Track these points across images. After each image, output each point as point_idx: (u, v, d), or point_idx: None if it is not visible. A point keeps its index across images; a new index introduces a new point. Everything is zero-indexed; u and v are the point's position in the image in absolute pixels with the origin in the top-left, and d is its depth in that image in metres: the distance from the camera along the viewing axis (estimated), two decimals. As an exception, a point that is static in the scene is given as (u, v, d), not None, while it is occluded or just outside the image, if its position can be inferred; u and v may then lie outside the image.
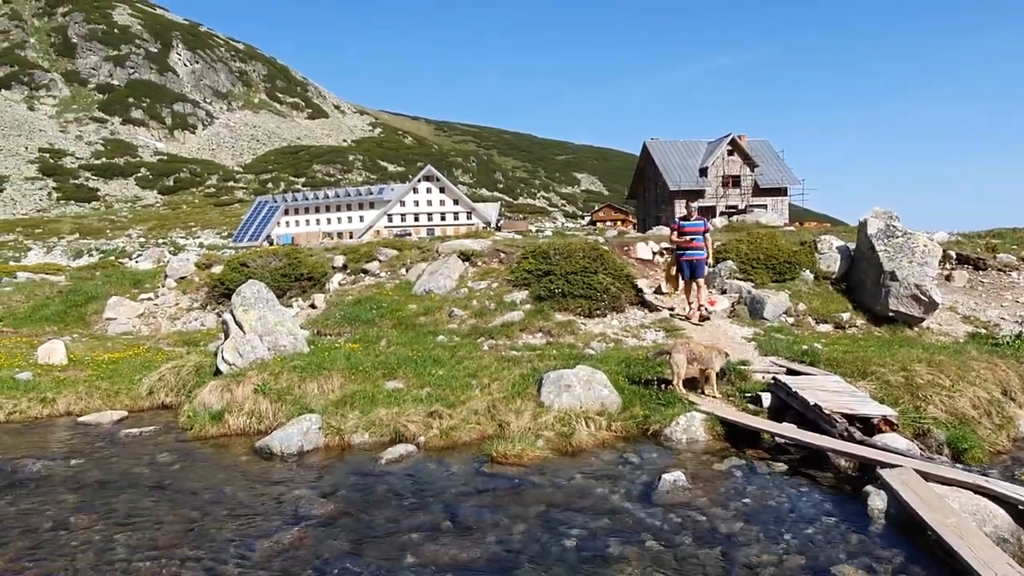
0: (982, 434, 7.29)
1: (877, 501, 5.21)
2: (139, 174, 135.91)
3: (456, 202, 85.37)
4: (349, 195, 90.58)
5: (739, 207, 52.16)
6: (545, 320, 11.00)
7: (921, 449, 6.53)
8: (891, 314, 12.06)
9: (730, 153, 53.77)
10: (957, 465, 6.08)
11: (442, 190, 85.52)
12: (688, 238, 11.36)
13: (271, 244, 59.60)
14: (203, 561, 4.70)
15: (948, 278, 14.90)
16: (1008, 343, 11.11)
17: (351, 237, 64.49)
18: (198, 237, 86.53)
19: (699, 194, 52.85)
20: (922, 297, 11.94)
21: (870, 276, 12.51)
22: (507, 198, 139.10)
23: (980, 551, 4.13)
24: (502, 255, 13.98)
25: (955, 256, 15.91)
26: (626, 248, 14.80)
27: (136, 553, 4.83)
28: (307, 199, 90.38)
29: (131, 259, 41.42)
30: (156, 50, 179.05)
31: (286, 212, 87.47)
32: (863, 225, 13.05)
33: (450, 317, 11.59)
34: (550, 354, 9.51)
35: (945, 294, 13.25)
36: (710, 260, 11.72)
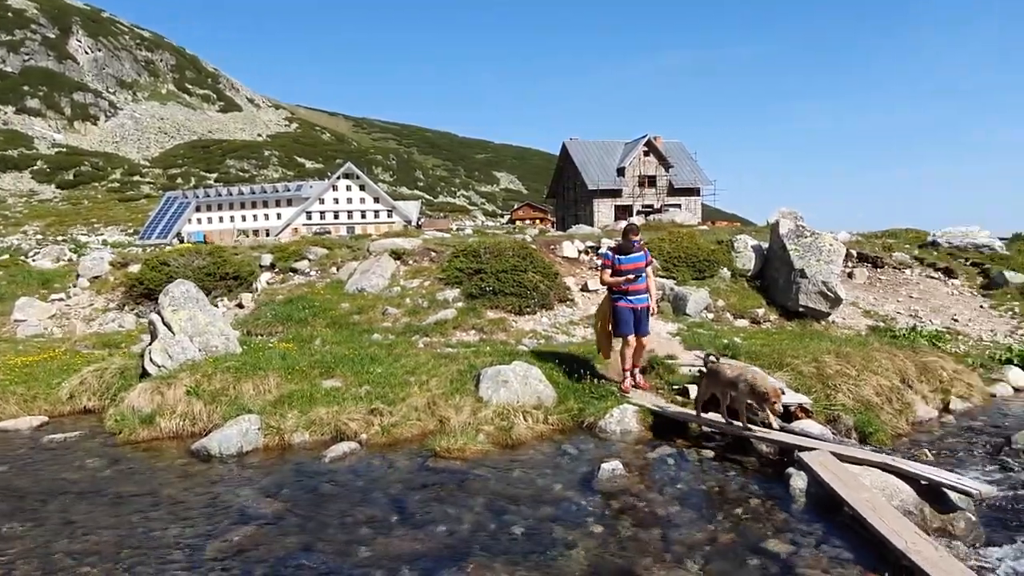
0: (885, 419, 7.94)
1: (798, 481, 5.66)
2: (35, 167, 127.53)
3: (377, 200, 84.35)
4: (265, 192, 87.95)
5: (655, 206, 53.77)
6: (478, 318, 11.20)
7: (834, 433, 7.08)
8: (801, 309, 12.88)
9: (646, 154, 55.34)
10: (865, 447, 6.64)
11: (362, 188, 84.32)
12: (626, 277, 8.07)
13: (181, 242, 57.31)
14: (152, 564, 4.65)
15: (850, 275, 15.98)
16: (904, 335, 12.07)
17: (268, 235, 62.75)
18: (101, 234, 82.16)
19: (617, 193, 54.21)
20: (828, 293, 12.81)
21: (782, 274, 13.31)
22: (427, 196, 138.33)
23: (890, 522, 4.59)
24: (433, 254, 14.07)
25: (856, 255, 17.05)
26: (552, 247, 15.16)
27: (80, 560, 4.74)
28: (220, 195, 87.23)
29: (27, 257, 39.02)
30: (54, 36, 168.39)
31: (198, 209, 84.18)
32: (775, 226, 13.85)
33: (384, 315, 11.61)
34: (485, 351, 9.70)
35: (848, 290, 14.23)
36: (655, 306, 8.58)
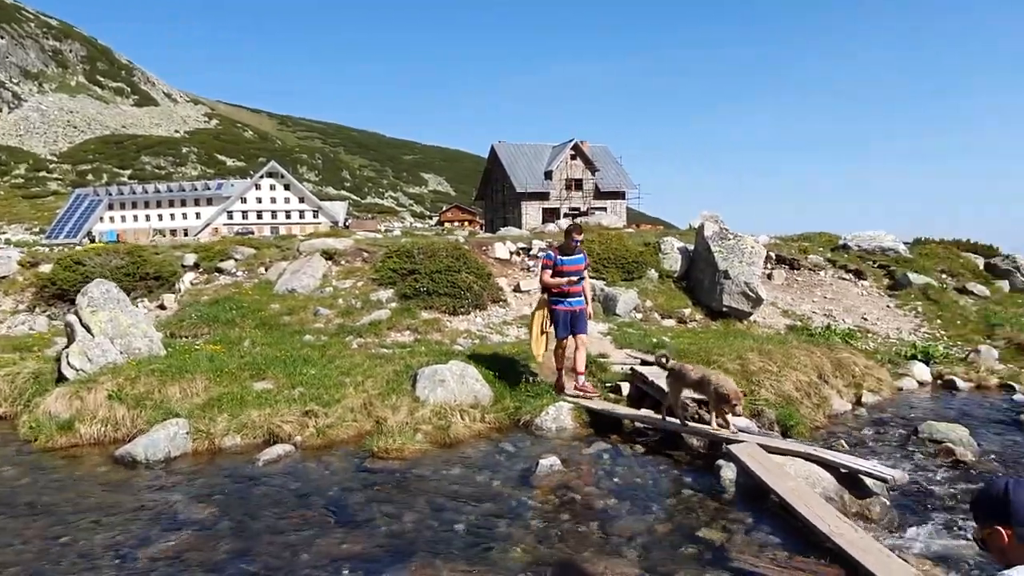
0: (804, 412, 8.36)
1: (728, 472, 5.91)
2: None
3: (302, 200, 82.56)
4: (184, 190, 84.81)
5: (581, 209, 54.57)
6: (412, 318, 11.16)
7: (759, 426, 7.41)
8: (725, 309, 13.36)
9: (573, 157, 56.10)
10: (787, 439, 6.97)
11: (287, 187, 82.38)
12: (568, 279, 8.01)
13: (92, 241, 54.59)
14: (81, 574, 4.46)
15: (769, 277, 16.66)
16: (820, 333, 12.70)
17: (186, 235, 60.52)
18: (4, 232, 77.43)
19: (544, 196, 54.76)
20: (750, 294, 13.34)
21: (707, 275, 13.78)
22: (355, 197, 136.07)
23: (814, 508, 4.86)
24: (365, 254, 13.92)
25: (775, 257, 17.78)
26: (484, 248, 15.24)
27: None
28: (135, 193, 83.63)
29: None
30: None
31: (110, 207, 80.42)
32: (700, 228, 14.33)
33: (316, 316, 11.42)
34: (420, 351, 9.68)
35: (768, 291, 14.83)
36: (590, 309, 8.48)
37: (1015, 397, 10.04)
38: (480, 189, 64.43)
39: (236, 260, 14.40)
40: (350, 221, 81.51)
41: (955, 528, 5.18)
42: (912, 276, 16.91)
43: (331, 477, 6.28)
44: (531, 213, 53.40)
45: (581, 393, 8.15)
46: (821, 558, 4.42)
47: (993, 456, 7.11)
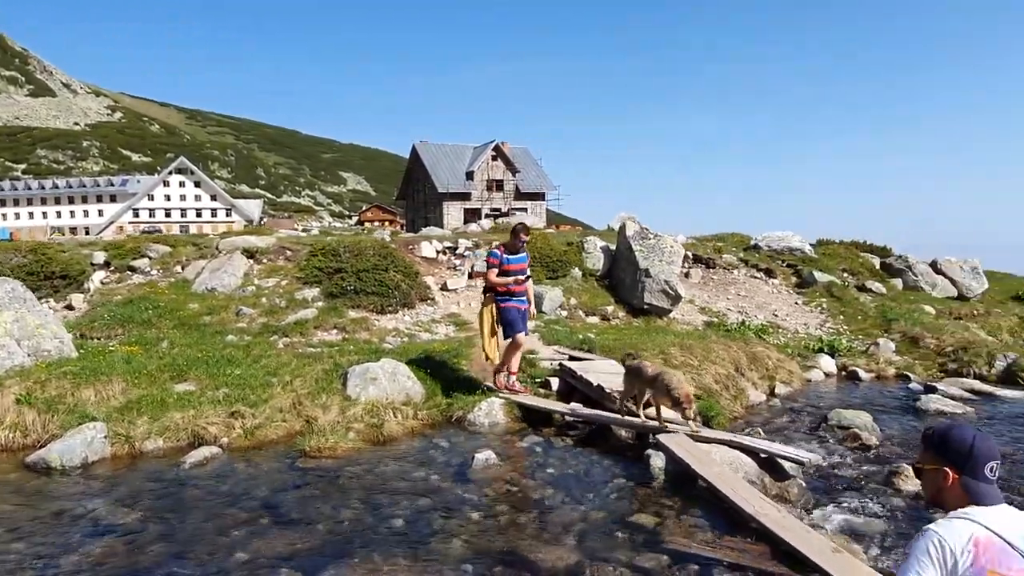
0: (724, 403, 8.76)
1: (657, 461, 6.15)
2: None
3: (214, 198, 79.61)
4: (84, 186, 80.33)
5: (502, 210, 54.92)
6: (339, 317, 11.01)
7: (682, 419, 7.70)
8: (646, 307, 13.78)
9: (494, 158, 56.42)
10: (709, 429, 7.29)
11: (197, 184, 79.25)
12: (515, 278, 7.97)
13: (-18, 240, 50.98)
14: (-2, 584, 4.24)
15: (687, 275, 17.28)
16: (736, 329, 13.28)
17: (87, 233, 57.37)
18: None
19: (466, 196, 54.85)
20: (670, 291, 13.80)
21: (628, 273, 14.17)
22: (270, 195, 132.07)
23: (739, 491, 5.13)
24: (288, 252, 13.61)
25: (691, 256, 18.45)
26: (410, 247, 15.18)
27: (-95, 586, 4.22)
28: (30, 189, 78.60)
29: None
30: None
31: (3, 203, 75.29)
32: (622, 228, 14.73)
33: (238, 316, 11.10)
34: (348, 349, 9.58)
35: (686, 289, 15.39)
36: (532, 309, 8.40)
37: (911, 386, 10.82)
38: (401, 189, 63.88)
39: (150, 258, 13.79)
40: (265, 220, 79.14)
41: (866, 506, 5.57)
42: (817, 275, 17.89)
43: (262, 477, 6.16)
44: (453, 213, 53.37)
45: (508, 391, 8.25)
46: (747, 537, 4.68)
47: (895, 440, 7.65)
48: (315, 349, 9.70)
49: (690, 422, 6.48)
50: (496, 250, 8.17)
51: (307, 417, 7.51)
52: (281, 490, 5.85)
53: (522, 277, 8.03)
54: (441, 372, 8.84)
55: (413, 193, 60.79)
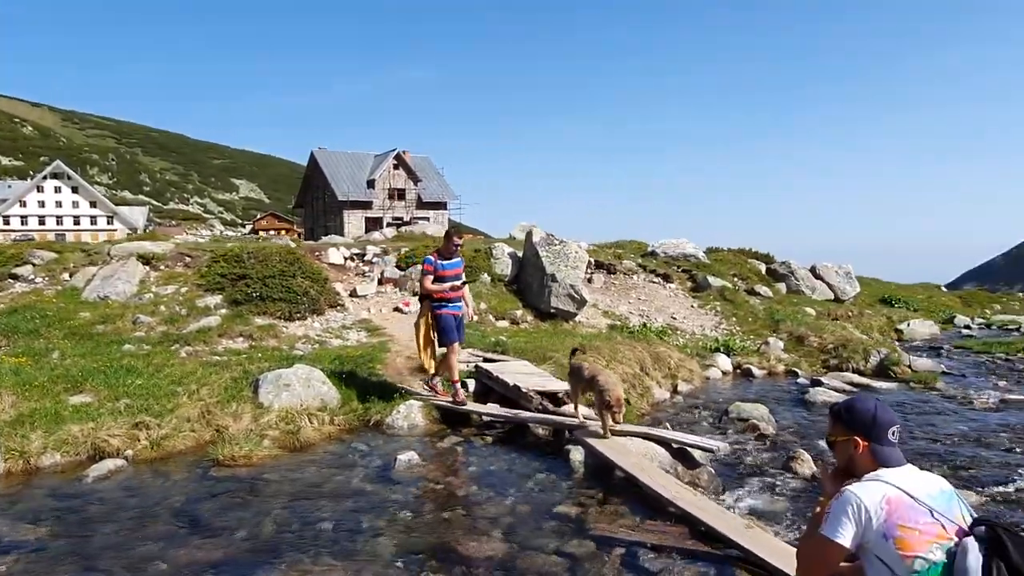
0: (631, 401, 9.11)
1: (576, 455, 6.37)
2: None
3: (93, 204, 74.75)
4: (-56, 191, 73.57)
5: (404, 219, 54.54)
6: (245, 324, 10.68)
7: (594, 415, 7.98)
8: (553, 311, 14.12)
9: (396, 167, 56.02)
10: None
11: (75, 190, 74.19)
12: (451, 284, 7.82)
13: None
14: None
15: (590, 280, 17.78)
16: (639, 331, 13.83)
17: (-54, 242, 52.50)
18: None
19: (367, 205, 54.16)
20: (575, 296, 14.21)
21: (536, 279, 14.48)
22: (155, 203, 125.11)
23: (656, 479, 5.41)
24: (188, 259, 13.04)
25: (593, 262, 19.02)
26: (317, 253, 14.90)
27: None
28: None
29: None
30: None
31: None
32: (529, 234, 15.04)
33: (135, 325, 10.54)
34: (257, 356, 9.33)
35: (590, 294, 15.86)
36: (471, 313, 8.35)
37: (799, 380, 11.64)
38: (299, 197, 62.29)
39: (35, 265, 12.85)
40: (151, 228, 75.05)
41: (769, 489, 5.99)
42: (711, 279, 18.86)
43: (175, 488, 5.92)
44: (353, 222, 52.52)
45: (430, 390, 8.25)
46: (667, 520, 4.95)
47: (789, 429, 8.22)
48: (221, 357, 9.37)
49: (577, 412, 6.79)
50: (430, 256, 7.95)
51: (217, 426, 7.26)
52: (196, 500, 5.65)
53: (458, 283, 7.90)
54: (357, 377, 8.75)
55: (312, 201, 59.40)
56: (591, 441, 6.25)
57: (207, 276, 11.97)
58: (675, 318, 16.09)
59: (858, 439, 2.64)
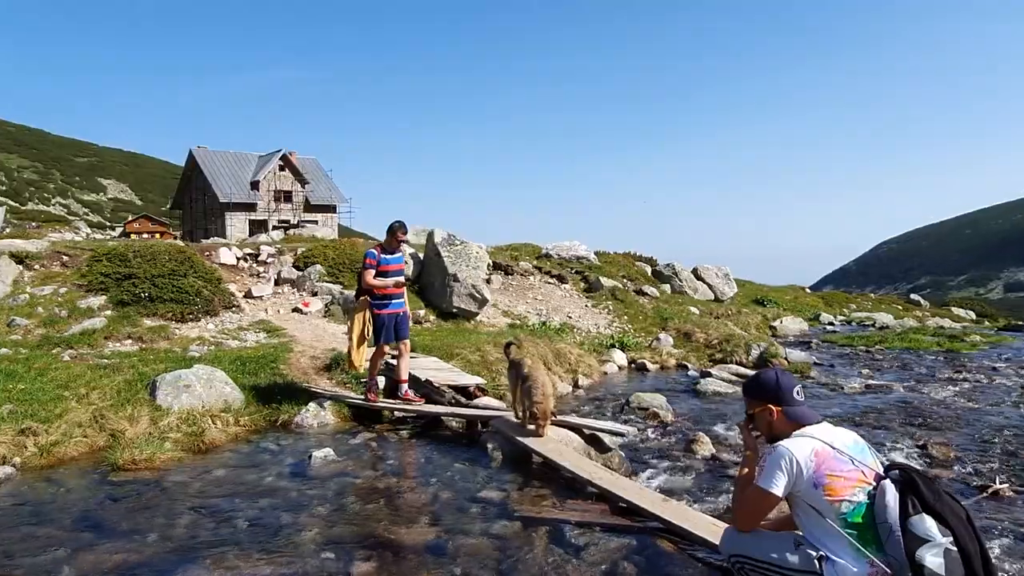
0: (538, 394, 9.37)
1: (492, 443, 6.50)
2: None
3: (-66, 203, 67.70)
4: None
5: (291, 222, 52.95)
6: (133, 326, 10.10)
7: (507, 406, 8.17)
8: (455, 310, 14.22)
9: (281, 168, 54.23)
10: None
11: (-89, 187, 66.90)
12: (394, 280, 7.61)
13: None
14: None
15: (488, 281, 17.99)
16: (539, 329, 14.17)
17: None
18: None
19: (251, 207, 52.13)
20: (477, 295, 14.38)
21: (437, 278, 14.54)
22: (12, 203, 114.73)
23: (574, 461, 5.64)
24: (65, 258, 12.13)
25: (492, 264, 19.28)
26: (207, 253, 14.27)
27: None
28: None
29: None
30: None
31: None
32: (431, 235, 15.08)
33: (10, 327, 9.72)
34: (150, 359, 8.88)
35: (489, 294, 16.09)
36: (408, 309, 8.04)
37: (690, 373, 12.33)
38: (176, 198, 59.14)
39: None
40: (8, 230, 68.77)
41: (674, 469, 6.36)
42: (603, 280, 19.58)
43: (72, 495, 5.58)
44: (237, 225, 50.39)
45: (365, 399, 7.88)
46: (588, 499, 5.17)
47: (686, 416, 8.71)
48: (109, 360, 8.83)
49: (515, 411, 6.72)
50: (372, 250, 7.66)
51: (112, 431, 6.89)
52: (99, 505, 5.35)
53: (400, 279, 7.70)
54: (261, 377, 8.53)
55: (190, 203, 56.50)
56: (508, 430, 6.40)
57: (88, 276, 11.21)
58: (571, 317, 16.58)
59: (770, 406, 2.95)
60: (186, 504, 5.36)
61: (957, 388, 10.75)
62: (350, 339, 7.84)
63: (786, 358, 13.35)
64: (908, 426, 8.11)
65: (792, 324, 20.95)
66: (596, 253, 23.73)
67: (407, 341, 7.84)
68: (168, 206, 64.67)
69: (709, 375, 11.62)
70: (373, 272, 7.51)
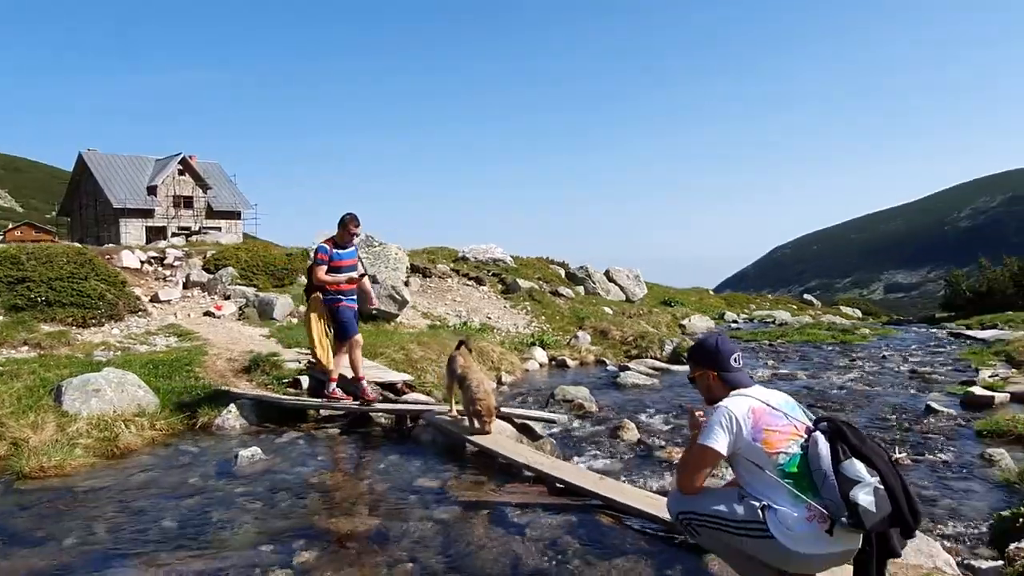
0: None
1: (426, 436, 6.50)
2: None
3: None
4: None
5: (193, 228, 50.77)
6: (29, 332, 9.45)
7: (436, 401, 8.16)
8: (374, 312, 14.00)
9: (181, 173, 51.98)
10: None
11: None
12: (348, 276, 7.40)
13: None
14: None
15: (407, 283, 17.87)
16: (460, 328, 14.19)
17: None
18: None
19: (148, 213, 49.74)
20: (397, 296, 14.25)
21: (356, 280, 14.32)
22: None
23: (510, 448, 5.72)
24: (-52, 261, 11.24)
25: (410, 266, 19.16)
26: (109, 256, 13.54)
27: None
28: None
29: None
30: None
31: None
32: (348, 236, 14.83)
33: None
34: (50, 364, 8.34)
35: (408, 295, 15.98)
36: (375, 300, 8.09)
37: (608, 368, 12.66)
38: (64, 204, 55.60)
39: None
40: None
41: (603, 453, 6.54)
42: (520, 282, 19.79)
43: (-26, 505, 5.20)
44: (132, 232, 47.87)
45: (329, 398, 7.53)
46: (525, 482, 5.26)
47: (609, 407, 8.94)
48: (4, 367, 8.24)
49: (451, 407, 6.67)
50: (324, 244, 7.37)
51: (14, 439, 6.43)
52: (7, 514, 5.00)
53: (354, 274, 7.45)
54: (176, 381, 8.17)
55: (80, 209, 53.28)
56: (441, 421, 6.41)
57: (-24, 280, 10.44)
58: (491, 317, 16.67)
59: (710, 371, 3.12)
60: (105, 508, 5.10)
61: (853, 374, 11.52)
62: (311, 340, 7.58)
63: (698, 352, 13.90)
64: (814, 408, 8.60)
65: (700, 322, 21.78)
66: (512, 257, 23.96)
67: (358, 336, 7.60)
68: (55, 212, 60.63)
69: (627, 368, 11.95)
70: (325, 268, 7.27)
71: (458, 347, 6.92)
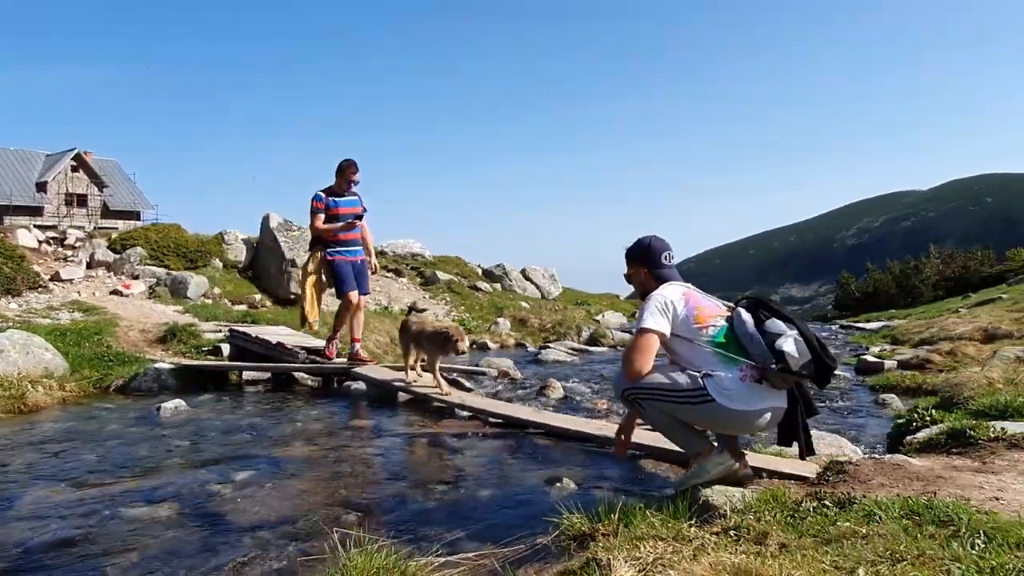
0: (388, 361, 9.43)
1: (358, 387, 6.51)
2: None
3: None
4: None
5: (87, 229, 47.90)
6: (-82, 303, 8.82)
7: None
8: (293, 296, 13.79)
9: (74, 169, 49.05)
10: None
11: None
12: (344, 223, 6.86)
13: None
14: None
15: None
16: (382, 312, 14.15)
17: None
18: None
19: (38, 211, 46.61)
20: (316, 282, 14.05)
21: (274, 264, 14.03)
22: None
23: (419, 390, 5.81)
24: None
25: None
26: (4, 235, 12.74)
27: None
28: None
29: None
30: None
31: None
32: (266, 219, 14.52)
33: None
34: (-54, 332, 7.82)
35: (327, 284, 15.79)
36: (374, 261, 7.42)
37: (529, 349, 12.90)
38: (-61, 199, 51.29)
39: None
40: None
41: (532, 408, 6.70)
42: (440, 274, 19.88)
43: None
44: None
45: (325, 358, 7.27)
46: (461, 419, 5.37)
47: (533, 376, 9.13)
48: None
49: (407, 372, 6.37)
50: (320, 192, 6.93)
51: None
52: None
53: (353, 221, 6.87)
54: (85, 348, 7.88)
55: (-41, 205, 49.36)
56: (372, 375, 6.44)
57: None
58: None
59: (641, 268, 3.34)
60: (17, 455, 4.84)
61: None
62: (303, 295, 7.27)
63: (612, 337, 14.36)
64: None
65: (612, 317, 22.35)
66: (431, 254, 23.98)
67: (366, 296, 7.27)
68: (-71, 210, 55.96)
69: (548, 347, 12.22)
70: (322, 217, 6.85)
71: (408, 312, 6.92)
